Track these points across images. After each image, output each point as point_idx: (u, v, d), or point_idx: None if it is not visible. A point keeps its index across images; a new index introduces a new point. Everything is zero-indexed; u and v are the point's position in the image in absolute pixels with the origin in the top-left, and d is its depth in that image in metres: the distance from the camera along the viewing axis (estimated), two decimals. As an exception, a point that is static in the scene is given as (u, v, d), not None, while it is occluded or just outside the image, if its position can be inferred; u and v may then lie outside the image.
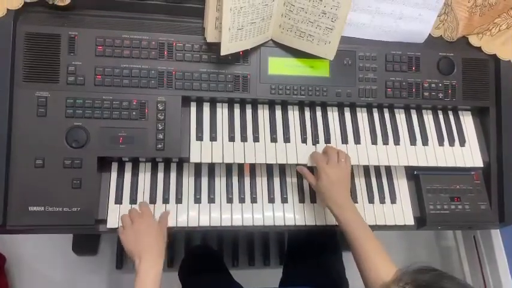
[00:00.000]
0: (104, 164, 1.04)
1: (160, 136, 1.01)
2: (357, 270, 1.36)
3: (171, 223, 1.03)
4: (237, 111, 1.10)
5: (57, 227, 0.97)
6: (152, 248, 0.93)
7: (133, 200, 1.03)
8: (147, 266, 0.90)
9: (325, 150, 1.06)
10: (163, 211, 1.04)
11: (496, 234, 1.41)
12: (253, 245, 1.85)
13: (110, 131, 0.99)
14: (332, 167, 1.01)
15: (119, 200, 1.03)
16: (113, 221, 1.01)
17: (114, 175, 1.04)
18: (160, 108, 1.01)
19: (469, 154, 1.16)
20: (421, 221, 1.14)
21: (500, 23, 1.14)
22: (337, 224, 1.08)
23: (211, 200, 1.07)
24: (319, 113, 1.14)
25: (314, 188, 1.05)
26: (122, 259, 1.77)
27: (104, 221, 1.01)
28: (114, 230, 1.01)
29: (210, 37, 1.00)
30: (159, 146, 1.00)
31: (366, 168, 1.17)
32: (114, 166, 1.05)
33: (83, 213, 0.97)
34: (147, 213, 1.00)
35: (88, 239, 1.76)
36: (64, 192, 0.96)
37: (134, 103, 1.01)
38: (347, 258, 1.32)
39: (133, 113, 1.00)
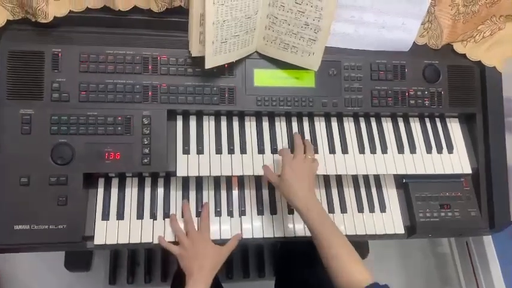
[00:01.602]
0: (90, 180, 1.03)
1: (146, 151, 1.00)
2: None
3: (158, 237, 1.02)
4: (223, 124, 1.10)
5: (44, 245, 0.96)
6: (204, 268, 0.97)
7: (120, 216, 1.02)
8: (196, 283, 0.95)
9: (294, 141, 1.06)
10: (236, 234, 1.05)
11: (488, 240, 1.41)
12: (248, 256, 1.83)
13: (96, 146, 0.99)
14: (297, 161, 0.99)
15: (106, 216, 1.02)
16: (100, 238, 1.00)
17: (100, 191, 1.04)
18: (146, 123, 1.01)
19: (457, 161, 1.16)
20: (411, 229, 1.13)
21: (484, 30, 1.15)
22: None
23: (199, 214, 1.06)
24: (306, 124, 1.14)
25: (276, 185, 1.00)
26: (115, 275, 1.75)
27: (91, 238, 1.00)
28: (101, 247, 1.00)
29: (195, 51, 1.00)
30: (145, 160, 1.00)
31: (355, 178, 1.16)
32: (101, 182, 1.04)
33: (69, 230, 0.96)
34: (206, 231, 1.02)
35: (80, 254, 1.74)
36: (50, 209, 0.96)
37: (119, 118, 1.00)
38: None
39: (119, 128, 1.00)
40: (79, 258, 1.74)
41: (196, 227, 1.03)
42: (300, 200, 0.95)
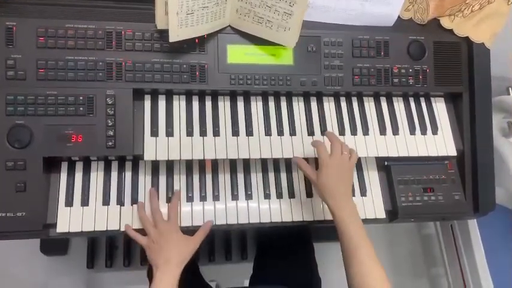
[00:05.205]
0: (52, 165, 0.97)
1: (111, 133, 0.94)
2: (328, 266, 1.32)
3: (124, 225, 0.97)
4: (195, 104, 1.03)
5: (2, 234, 0.91)
6: (171, 261, 0.91)
7: (85, 202, 0.96)
8: (163, 276, 0.90)
9: (329, 139, 0.98)
10: (207, 221, 0.99)
11: (472, 223, 1.38)
12: (230, 239, 1.80)
13: (56, 128, 0.92)
14: (335, 159, 0.93)
15: (69, 203, 0.96)
16: (63, 225, 0.94)
17: (63, 176, 0.97)
18: (110, 103, 0.94)
19: (442, 142, 1.11)
20: (393, 214, 1.09)
21: (472, 4, 1.08)
22: (304, 220, 1.03)
23: (169, 200, 1.00)
24: (284, 104, 1.07)
25: (312, 182, 0.96)
26: (93, 258, 1.71)
27: (54, 225, 0.94)
28: (64, 235, 0.94)
29: (160, 23, 0.92)
30: (110, 143, 0.94)
31: (335, 160, 1.11)
32: (64, 166, 0.98)
33: (29, 218, 0.90)
34: (174, 221, 0.96)
35: (56, 238, 1.69)
36: (7, 196, 0.90)
37: (81, 98, 0.94)
38: (320, 253, 1.29)
39: (81, 108, 0.93)
40: (55, 242, 1.69)
41: (165, 216, 0.97)
42: (336, 200, 0.91)
